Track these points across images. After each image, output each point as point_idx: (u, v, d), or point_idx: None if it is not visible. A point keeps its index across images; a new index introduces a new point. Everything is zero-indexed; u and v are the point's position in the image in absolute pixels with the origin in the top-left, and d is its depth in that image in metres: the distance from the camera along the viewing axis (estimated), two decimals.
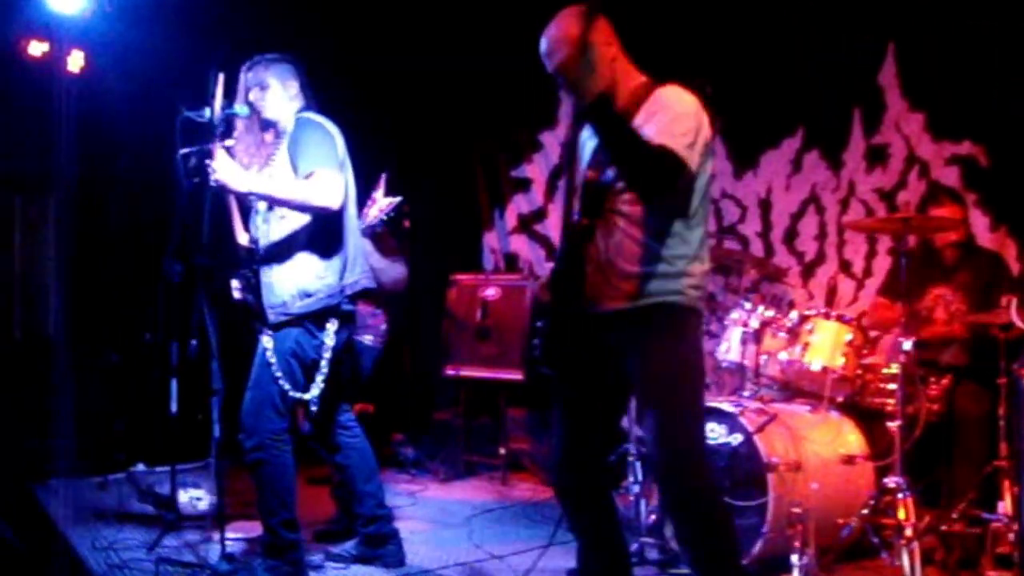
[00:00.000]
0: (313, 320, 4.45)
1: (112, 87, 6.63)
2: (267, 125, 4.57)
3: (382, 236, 4.76)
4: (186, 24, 6.67)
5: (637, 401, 3.50)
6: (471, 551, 5.16)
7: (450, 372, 7.21)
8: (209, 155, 4.30)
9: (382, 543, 4.85)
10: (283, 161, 4.45)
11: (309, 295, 4.42)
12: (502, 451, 6.93)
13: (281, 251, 4.46)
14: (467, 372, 7.15)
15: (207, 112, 4.33)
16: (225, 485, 4.82)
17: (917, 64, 6.15)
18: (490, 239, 8.47)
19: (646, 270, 3.40)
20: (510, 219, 8.33)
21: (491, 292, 7.14)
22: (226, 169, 4.26)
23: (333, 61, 6.92)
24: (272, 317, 4.44)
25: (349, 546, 4.90)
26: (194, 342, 4.93)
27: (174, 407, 5.48)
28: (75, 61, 6.45)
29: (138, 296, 6.28)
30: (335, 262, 4.47)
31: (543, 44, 3.51)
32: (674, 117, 3.33)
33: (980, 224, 5.85)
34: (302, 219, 4.43)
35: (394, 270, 5.56)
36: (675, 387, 3.43)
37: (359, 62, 7.49)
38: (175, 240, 4.96)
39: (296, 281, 4.42)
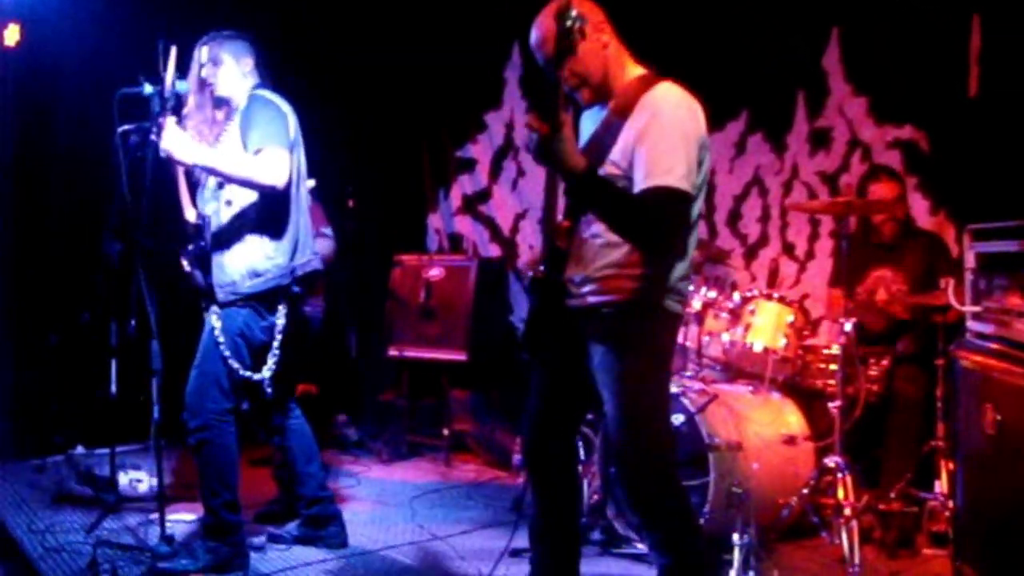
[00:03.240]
0: (262, 301, 4.42)
1: (50, 62, 6.51)
2: (220, 103, 4.51)
3: (310, 208, 4.72)
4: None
5: (601, 395, 3.49)
6: (414, 531, 5.16)
7: (393, 353, 7.19)
8: (158, 129, 4.23)
9: (324, 524, 4.84)
10: (234, 138, 4.40)
11: (259, 275, 4.39)
12: (445, 432, 6.91)
13: (231, 230, 4.42)
14: (411, 353, 7.13)
15: (147, 87, 4.26)
16: (165, 467, 4.76)
17: (861, 49, 6.18)
18: (434, 220, 8.45)
19: (624, 271, 3.38)
20: (455, 200, 8.31)
21: (435, 273, 7.12)
22: (174, 139, 4.18)
23: (280, 41, 6.85)
24: (221, 296, 4.40)
25: (291, 527, 4.89)
26: (133, 322, 4.88)
27: (114, 388, 5.43)
28: (11, 35, 6.32)
29: (77, 275, 6.18)
30: (285, 243, 4.44)
31: (532, 35, 3.45)
32: (667, 146, 3.24)
33: (920, 208, 5.91)
34: (251, 198, 4.39)
35: (322, 245, 5.53)
36: (638, 385, 3.41)
37: (303, 40, 7.42)
38: (114, 219, 4.89)
39: (246, 260, 4.39)
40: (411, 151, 8.48)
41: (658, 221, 3.23)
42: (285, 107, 4.48)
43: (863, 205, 5.30)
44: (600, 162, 3.36)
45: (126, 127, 4.35)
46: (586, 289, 3.43)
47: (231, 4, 6.55)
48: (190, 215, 4.54)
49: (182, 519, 5.02)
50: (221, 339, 4.37)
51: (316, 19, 7.57)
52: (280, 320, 4.45)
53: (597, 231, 3.40)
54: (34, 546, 4.67)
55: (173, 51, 4.22)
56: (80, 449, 6.21)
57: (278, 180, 4.29)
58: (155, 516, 4.61)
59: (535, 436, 3.68)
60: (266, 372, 4.44)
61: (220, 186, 4.44)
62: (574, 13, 3.15)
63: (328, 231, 6.02)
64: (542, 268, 3.44)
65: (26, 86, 6.42)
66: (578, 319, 3.46)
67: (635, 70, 3.51)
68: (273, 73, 4.63)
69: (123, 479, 5.57)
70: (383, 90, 8.12)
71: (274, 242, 4.42)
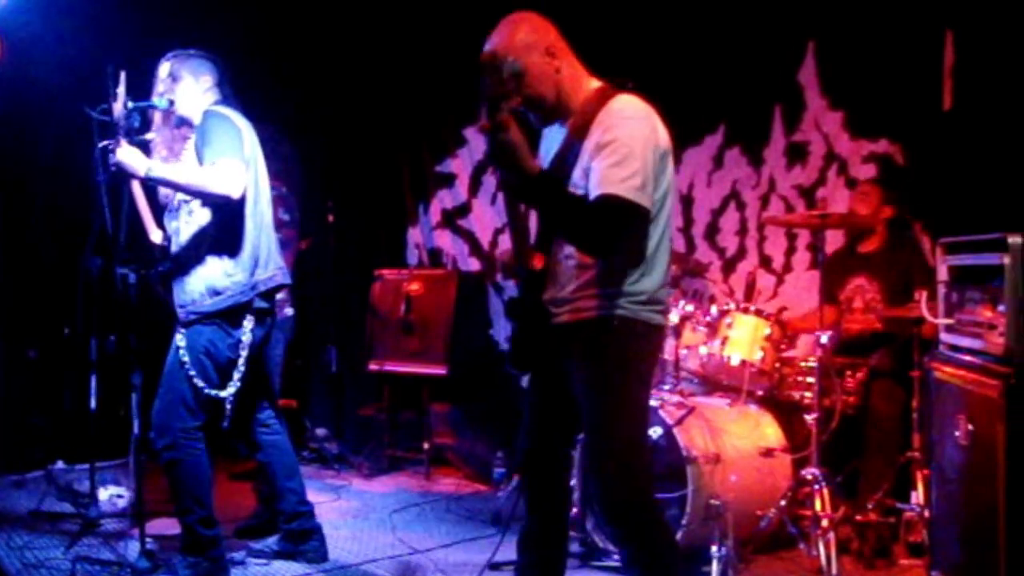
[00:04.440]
0: (226, 318, 4.42)
1: (33, 77, 6.51)
2: (181, 121, 4.53)
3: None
4: (108, 14, 6.58)
5: (581, 410, 3.51)
6: (394, 545, 5.16)
7: (374, 367, 7.19)
8: (108, 148, 4.26)
9: (304, 539, 4.84)
10: (191, 155, 4.42)
11: (218, 293, 4.39)
12: (426, 446, 6.92)
13: (190, 249, 4.43)
14: (391, 367, 7.14)
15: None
16: (145, 482, 4.76)
17: (836, 63, 6.24)
18: (414, 234, 8.45)
19: (598, 289, 3.37)
20: (434, 214, 8.32)
21: (415, 287, 7.13)
22: (126, 153, 4.19)
23: (258, 58, 6.87)
24: (183, 315, 4.42)
25: (271, 542, 4.89)
26: (113, 337, 4.88)
27: (93, 403, 5.42)
28: None
29: (57, 291, 6.18)
30: (244, 259, 4.43)
31: (484, 60, 3.46)
32: (621, 158, 3.22)
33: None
34: (208, 216, 4.40)
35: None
36: (615, 399, 3.40)
37: (283, 58, 7.44)
38: (94, 235, 4.90)
39: (205, 279, 4.39)
40: (390, 166, 8.49)
41: (605, 228, 3.21)
42: (240, 122, 4.48)
43: (839, 219, 5.34)
44: (564, 180, 3.37)
45: (106, 142, 4.36)
46: (563, 308, 3.43)
47: (209, 20, 6.56)
48: (155, 236, 4.57)
49: (162, 534, 5.00)
50: (185, 358, 4.37)
51: (294, 35, 7.57)
52: (245, 336, 4.46)
53: (570, 252, 3.40)
54: (12, 562, 4.66)
55: (122, 75, 4.23)
56: (60, 464, 6.20)
57: (232, 190, 4.28)
58: (135, 531, 4.61)
59: (531, 448, 3.67)
60: (231, 389, 4.45)
61: (180, 205, 4.46)
62: (510, 65, 3.30)
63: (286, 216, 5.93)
64: (517, 292, 3.47)
65: (7, 102, 6.40)
66: (558, 337, 3.46)
67: (591, 84, 3.49)
68: (248, 90, 4.64)
69: (103, 494, 5.57)
70: (362, 105, 8.13)
71: (232, 259, 4.41)
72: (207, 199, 4.35)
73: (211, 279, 4.39)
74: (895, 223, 5.72)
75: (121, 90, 4.21)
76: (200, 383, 4.35)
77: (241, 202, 4.38)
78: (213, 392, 4.39)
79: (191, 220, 4.43)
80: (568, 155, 3.38)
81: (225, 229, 4.41)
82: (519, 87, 3.38)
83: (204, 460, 4.42)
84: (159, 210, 4.58)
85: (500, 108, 3.18)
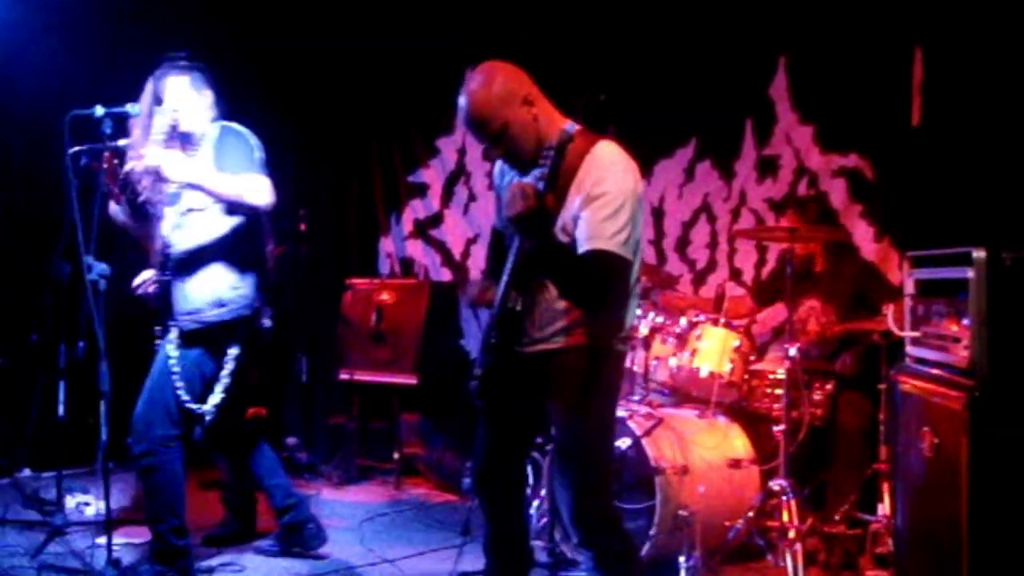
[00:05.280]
0: (226, 331, 4.45)
1: (2, 82, 6.48)
2: (184, 137, 4.51)
3: None
4: (80, 16, 6.56)
5: (555, 433, 3.71)
6: (363, 554, 5.16)
7: (344, 376, 7.18)
8: (111, 156, 4.25)
9: (301, 528, 4.96)
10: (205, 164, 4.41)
11: (223, 304, 4.44)
12: (396, 455, 6.92)
13: (197, 259, 4.46)
14: (361, 376, 7.12)
15: (99, 109, 4.26)
16: (113, 490, 4.73)
17: (807, 78, 6.29)
18: (386, 244, 8.46)
19: (578, 324, 3.50)
20: (406, 224, 8.33)
21: (386, 297, 7.13)
22: (163, 157, 4.18)
23: (230, 63, 6.86)
24: (184, 323, 4.44)
25: (270, 540, 5.05)
26: (81, 344, 4.86)
27: (61, 410, 5.39)
28: None
29: (25, 296, 6.14)
30: (251, 274, 4.49)
31: (461, 113, 3.49)
32: (612, 212, 3.32)
33: (865, 235, 6.01)
34: (218, 228, 4.44)
35: None
36: (589, 424, 3.56)
37: (260, 64, 7.43)
38: (63, 240, 4.88)
39: (212, 289, 4.44)
40: (362, 175, 8.49)
41: (599, 283, 3.37)
42: (254, 140, 4.55)
43: (808, 232, 5.38)
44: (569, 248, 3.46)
45: (77, 148, 4.34)
46: (543, 340, 3.55)
47: (180, 26, 6.56)
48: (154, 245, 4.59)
49: (129, 543, 4.98)
50: (176, 369, 4.37)
51: (266, 42, 7.56)
52: (233, 351, 4.48)
53: (552, 295, 3.51)
54: None
55: (164, 83, 4.20)
56: (26, 472, 6.16)
57: (266, 201, 4.37)
58: (102, 540, 4.59)
59: (486, 464, 3.82)
60: (211, 404, 4.46)
61: (187, 212, 4.46)
62: (498, 124, 3.39)
63: None
64: (494, 336, 3.52)
65: None
66: (532, 362, 3.57)
67: (565, 125, 3.45)
68: (222, 97, 4.65)
69: (70, 502, 5.55)
70: (335, 114, 8.14)
71: (240, 273, 4.47)
72: (237, 209, 4.40)
73: (217, 290, 4.44)
74: (832, 245, 5.77)
75: (148, 96, 4.16)
76: (185, 396, 4.37)
77: (260, 216, 4.45)
78: (193, 406, 4.41)
79: (201, 229, 4.45)
80: (553, 200, 3.41)
81: (236, 242, 4.48)
82: (503, 142, 3.46)
83: (180, 470, 4.43)
84: (144, 218, 4.56)
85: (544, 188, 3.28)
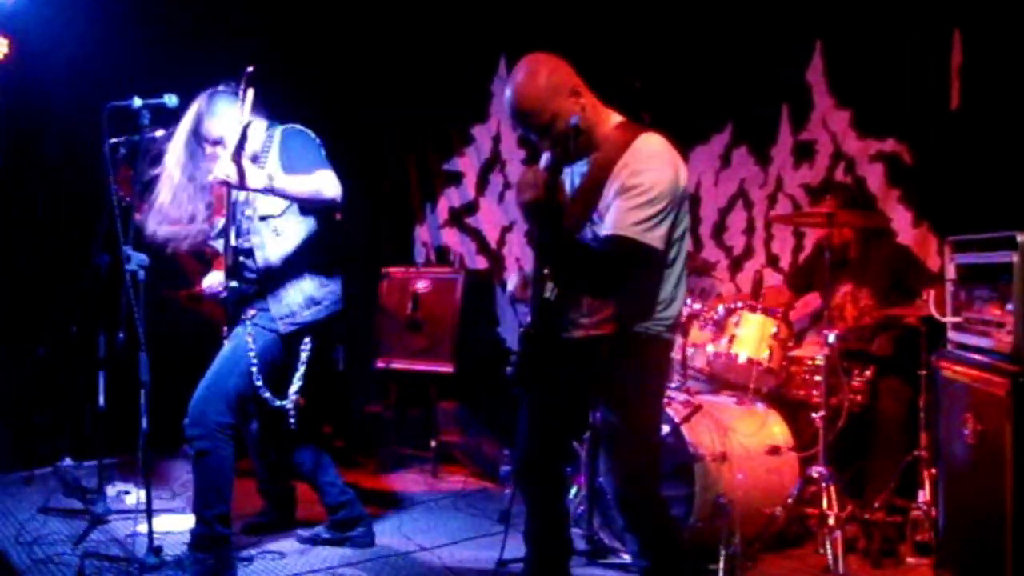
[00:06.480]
0: (322, 327, 4.59)
1: (40, 74, 6.53)
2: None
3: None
4: (115, 9, 6.59)
5: (602, 419, 3.70)
6: (402, 543, 5.17)
7: (381, 365, 7.20)
8: (125, 168, 4.31)
9: (351, 526, 5.01)
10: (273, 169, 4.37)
11: (317, 303, 4.55)
12: (433, 443, 6.93)
13: (285, 261, 4.51)
14: (398, 365, 7.14)
15: (136, 100, 4.26)
16: (153, 478, 4.77)
17: (843, 62, 6.22)
18: (421, 232, 8.47)
19: (617, 309, 3.52)
20: (441, 212, 8.33)
21: (422, 285, 7.14)
22: (232, 169, 4.12)
23: (266, 57, 6.87)
24: (283, 328, 4.51)
25: (319, 529, 5.06)
26: (121, 334, 4.89)
27: (102, 400, 5.44)
28: (0, 47, 6.34)
29: (65, 287, 6.19)
30: (336, 268, 4.63)
31: (508, 105, 3.50)
32: (643, 202, 3.32)
33: (903, 220, 5.96)
34: (301, 229, 4.52)
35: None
36: (636, 410, 3.59)
37: (290, 57, 7.45)
38: (102, 231, 4.91)
39: (304, 290, 4.53)
40: (398, 164, 8.51)
41: (610, 268, 3.38)
42: (313, 135, 4.60)
43: (846, 218, 5.34)
44: (586, 217, 3.48)
45: (115, 140, 4.36)
46: (587, 322, 3.56)
47: (219, 21, 6.58)
48: (212, 280, 4.73)
49: (170, 530, 5.02)
50: (255, 361, 4.45)
51: (305, 36, 7.59)
52: (307, 344, 4.59)
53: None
54: (22, 558, 4.68)
55: (251, 91, 4.19)
56: (68, 461, 6.20)
57: (339, 194, 4.39)
58: (143, 527, 4.62)
59: (528, 454, 3.83)
60: (290, 398, 4.58)
61: (263, 219, 4.51)
62: (547, 116, 3.39)
63: None
64: (531, 323, 3.55)
65: (15, 99, 6.43)
66: (577, 348, 3.58)
67: (612, 118, 3.56)
68: (261, 89, 4.65)
69: (111, 491, 5.60)
70: (369, 103, 8.15)
71: (326, 270, 4.59)
72: (316, 206, 4.46)
73: (309, 290, 4.53)
74: (865, 231, 5.73)
75: (248, 103, 4.12)
76: (267, 395, 4.48)
77: (332, 212, 4.53)
78: (278, 403, 4.54)
79: (279, 237, 4.51)
80: (592, 191, 3.47)
81: (319, 239, 4.56)
82: (551, 134, 3.45)
83: (231, 458, 4.47)
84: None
85: (558, 171, 3.33)
